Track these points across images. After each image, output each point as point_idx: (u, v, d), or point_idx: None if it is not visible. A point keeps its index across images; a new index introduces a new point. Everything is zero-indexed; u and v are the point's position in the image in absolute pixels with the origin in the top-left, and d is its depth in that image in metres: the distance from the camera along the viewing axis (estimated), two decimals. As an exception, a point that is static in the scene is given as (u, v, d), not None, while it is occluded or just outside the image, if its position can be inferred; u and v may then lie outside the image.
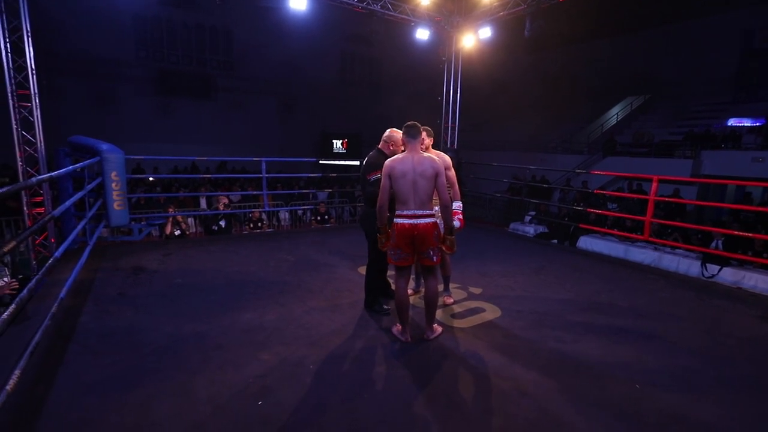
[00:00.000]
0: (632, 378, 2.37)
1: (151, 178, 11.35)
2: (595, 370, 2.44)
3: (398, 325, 2.84)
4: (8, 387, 1.65)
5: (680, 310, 3.51)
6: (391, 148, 3.12)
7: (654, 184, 4.51)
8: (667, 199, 5.56)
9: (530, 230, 8.51)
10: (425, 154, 2.61)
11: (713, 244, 6.36)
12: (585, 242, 7.12)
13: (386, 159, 3.07)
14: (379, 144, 3.19)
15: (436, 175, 2.56)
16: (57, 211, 2.34)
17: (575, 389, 2.24)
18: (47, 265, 2.34)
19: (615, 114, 17.17)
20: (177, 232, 6.48)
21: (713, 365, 2.57)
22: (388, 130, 3.18)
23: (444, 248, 2.68)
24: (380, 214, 2.65)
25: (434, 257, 2.65)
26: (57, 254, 2.49)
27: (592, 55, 18.67)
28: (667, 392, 2.25)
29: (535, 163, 14.01)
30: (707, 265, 5.75)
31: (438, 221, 3.08)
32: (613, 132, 15.81)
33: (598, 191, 7.47)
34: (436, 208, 3.08)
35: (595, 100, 18.10)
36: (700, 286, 4.32)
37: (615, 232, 6.58)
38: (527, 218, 8.99)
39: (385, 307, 3.24)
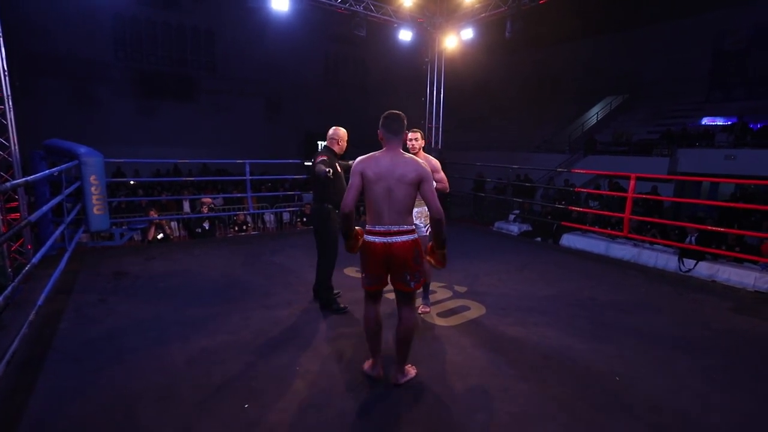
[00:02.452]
0: (613, 370, 2.44)
1: (131, 182, 11.13)
2: (578, 365, 2.50)
3: (370, 358, 2.34)
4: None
5: (658, 304, 3.62)
6: (340, 144, 3.25)
7: (632, 182, 4.63)
8: (643, 196, 5.72)
9: (514, 229, 8.63)
10: (408, 155, 2.11)
11: (688, 239, 6.57)
12: (568, 240, 7.26)
13: (336, 158, 3.20)
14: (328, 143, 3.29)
15: (421, 182, 2.05)
16: (33, 216, 2.29)
17: (559, 384, 2.29)
18: (24, 271, 2.28)
19: (595, 114, 17.55)
20: (160, 236, 6.37)
21: (690, 356, 2.66)
22: (333, 128, 3.28)
23: (432, 262, 2.22)
24: (345, 220, 2.11)
25: (412, 282, 2.12)
26: (34, 260, 2.44)
27: (573, 56, 19.04)
28: (646, 383, 2.32)
29: (518, 162, 14.20)
30: (684, 260, 5.93)
31: (425, 232, 3.11)
32: (594, 131, 16.16)
33: (579, 189, 7.61)
34: (419, 222, 3.10)
35: (576, 100, 18.47)
36: (677, 280, 4.46)
37: (596, 229, 6.73)
38: (511, 217, 9.11)
39: (343, 306, 3.27)
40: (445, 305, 3.43)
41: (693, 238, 6.50)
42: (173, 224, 7.66)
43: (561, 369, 2.45)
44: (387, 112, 2.15)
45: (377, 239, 2.09)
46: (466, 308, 3.37)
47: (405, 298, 2.20)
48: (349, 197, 2.08)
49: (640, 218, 6.11)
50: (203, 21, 16.36)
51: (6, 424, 1.84)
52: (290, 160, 9.11)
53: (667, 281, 4.33)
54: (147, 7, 15.39)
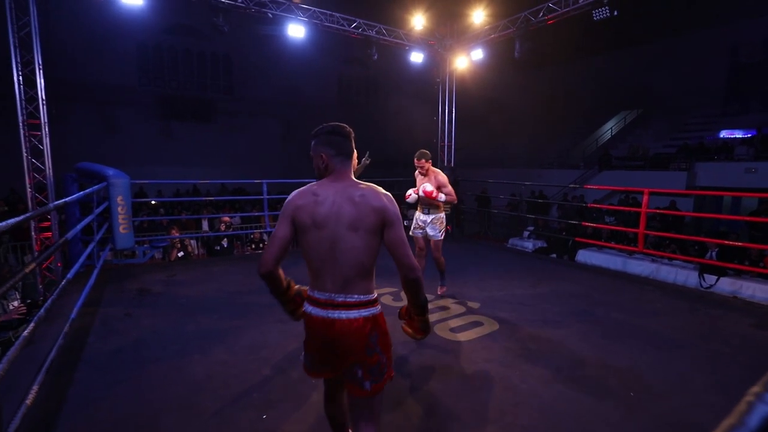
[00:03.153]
0: (627, 386, 2.43)
1: (153, 202, 11.50)
2: (592, 380, 2.50)
3: None
4: (27, 401, 1.73)
5: (675, 320, 3.57)
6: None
7: (645, 197, 4.63)
8: (657, 210, 5.67)
9: (529, 245, 8.59)
10: (366, 185, 1.45)
11: (708, 255, 6.44)
12: (583, 256, 7.20)
13: None
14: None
15: (386, 226, 1.40)
16: (70, 234, 2.46)
17: (572, 398, 2.30)
18: (60, 286, 2.43)
19: (609, 128, 17.48)
20: (180, 254, 6.57)
21: (708, 371, 2.62)
22: None
23: (410, 332, 1.63)
24: (267, 283, 1.53)
25: (366, 383, 1.41)
26: (69, 276, 2.59)
27: (585, 72, 19.11)
28: (661, 399, 2.30)
29: (531, 178, 14.19)
30: (705, 275, 5.82)
31: (439, 236, 3.15)
32: (608, 146, 16.06)
33: (592, 205, 7.58)
34: (431, 230, 3.44)
35: (589, 116, 18.45)
36: (696, 296, 4.38)
37: (612, 245, 6.67)
38: (525, 233, 9.08)
39: None
40: (457, 321, 3.46)
41: (714, 254, 6.38)
42: (192, 242, 7.88)
43: (575, 383, 2.45)
44: (326, 124, 1.51)
45: (318, 312, 1.42)
46: (479, 324, 3.39)
47: (359, 407, 1.45)
48: (268, 254, 1.45)
49: (655, 233, 6.04)
50: (221, 47, 17.05)
51: (42, 428, 1.94)
52: (305, 180, 9.33)
53: (686, 297, 4.27)
54: (170, 36, 16.16)
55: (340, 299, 1.40)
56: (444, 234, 3.88)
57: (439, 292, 4.05)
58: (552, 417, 2.12)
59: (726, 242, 5.14)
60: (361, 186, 1.45)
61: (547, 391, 2.37)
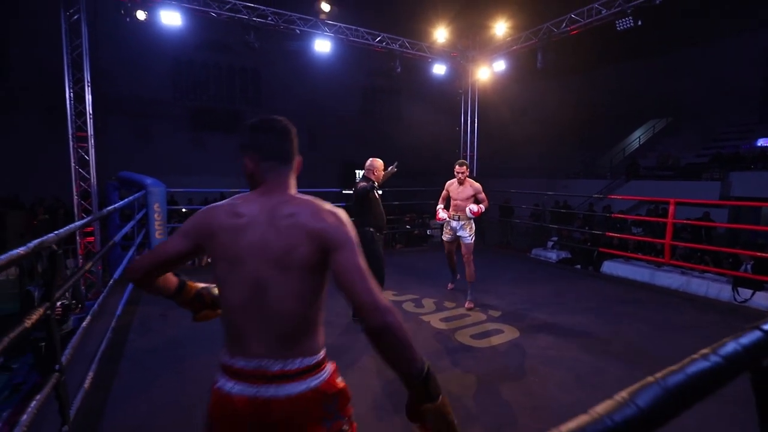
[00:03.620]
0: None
1: (183, 210, 11.98)
2: (612, 387, 2.50)
3: None
4: (85, 385, 1.90)
5: (703, 333, 3.50)
6: (376, 173, 3.52)
7: (671, 207, 4.56)
8: (685, 221, 5.55)
9: (552, 256, 8.49)
10: (301, 199, 1.04)
11: (742, 268, 6.22)
12: (609, 267, 7.08)
13: (374, 186, 3.30)
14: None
15: (331, 251, 0.97)
16: (117, 237, 2.68)
17: (591, 405, 2.31)
18: (109, 285, 2.65)
19: (637, 138, 17.08)
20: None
21: (736, 384, 2.57)
22: (370, 159, 3.56)
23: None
24: (148, 292, 1.15)
25: None
26: (116, 276, 2.81)
27: (611, 81, 18.81)
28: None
29: (556, 189, 14.00)
30: (738, 288, 5.63)
31: (469, 239, 3.33)
32: (636, 155, 15.69)
33: (616, 215, 7.45)
34: (464, 233, 3.96)
35: (616, 125, 18.09)
36: (728, 309, 4.27)
37: (638, 255, 6.54)
38: (549, 244, 8.98)
39: None
40: (478, 328, 3.50)
41: (749, 266, 6.16)
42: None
43: (593, 390, 2.46)
44: (255, 119, 1.12)
45: (237, 389, 0.97)
46: (500, 331, 3.42)
47: None
48: (140, 262, 1.07)
49: (684, 244, 5.89)
50: (250, 61, 17.71)
51: (94, 415, 2.13)
52: (329, 189, 9.55)
53: (718, 310, 4.16)
54: (202, 52, 16.95)
55: (277, 368, 0.95)
56: (474, 238, 4.06)
57: (466, 306, 3.97)
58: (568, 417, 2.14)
59: (760, 254, 4.98)
60: (295, 201, 1.00)
61: (565, 396, 2.39)
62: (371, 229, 3.46)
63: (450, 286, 4.61)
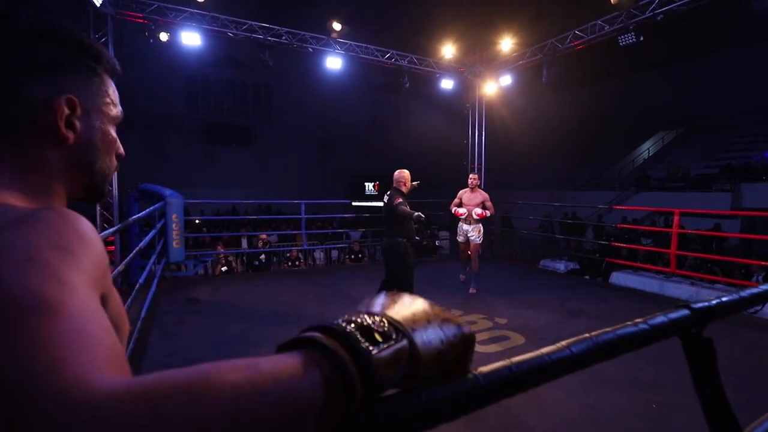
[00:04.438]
0: (651, 399, 2.49)
1: (197, 221, 12.28)
2: (616, 392, 2.58)
3: None
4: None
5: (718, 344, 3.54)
6: (406, 185, 3.72)
7: (676, 217, 4.62)
8: (689, 231, 5.58)
9: (561, 266, 8.52)
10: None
11: (754, 278, 6.20)
12: (618, 278, 7.08)
13: (405, 198, 3.49)
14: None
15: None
16: (142, 244, 2.86)
17: (594, 407, 2.40)
18: (135, 290, 2.82)
19: (647, 149, 17.06)
20: (224, 268, 7.05)
21: (745, 393, 2.63)
22: (398, 171, 3.78)
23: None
24: None
25: None
26: (141, 281, 2.99)
27: (619, 93, 18.88)
28: (686, 412, 2.36)
29: (564, 200, 14.03)
30: (748, 299, 5.61)
31: (477, 239, 3.48)
32: (646, 167, 15.66)
33: (621, 226, 7.49)
34: (474, 235, 4.52)
35: (624, 137, 18.10)
36: (739, 320, 4.28)
37: (646, 266, 6.56)
38: (562, 262, 8.97)
39: None
40: (484, 335, 3.59)
41: (760, 277, 6.14)
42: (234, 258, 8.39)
43: (598, 394, 2.54)
44: None
45: None
46: (506, 338, 3.51)
47: None
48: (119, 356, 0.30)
49: (692, 254, 5.91)
50: (262, 77, 18.21)
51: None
52: (339, 200, 9.75)
53: (727, 320, 4.17)
54: (217, 68, 17.49)
55: None
56: (482, 239, 4.96)
57: (470, 291, 4.84)
58: (574, 424, 2.23)
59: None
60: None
61: (571, 400, 2.47)
62: (403, 240, 3.60)
63: (462, 277, 5.26)
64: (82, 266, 0.34)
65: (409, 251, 3.61)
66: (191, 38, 6.06)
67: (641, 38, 5.43)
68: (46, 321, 0.26)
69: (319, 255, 9.87)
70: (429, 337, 0.32)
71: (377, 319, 0.31)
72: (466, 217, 4.90)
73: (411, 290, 3.52)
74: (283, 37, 6.68)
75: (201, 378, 0.24)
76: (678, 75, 17.18)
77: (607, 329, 0.53)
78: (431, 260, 8.11)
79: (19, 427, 0.22)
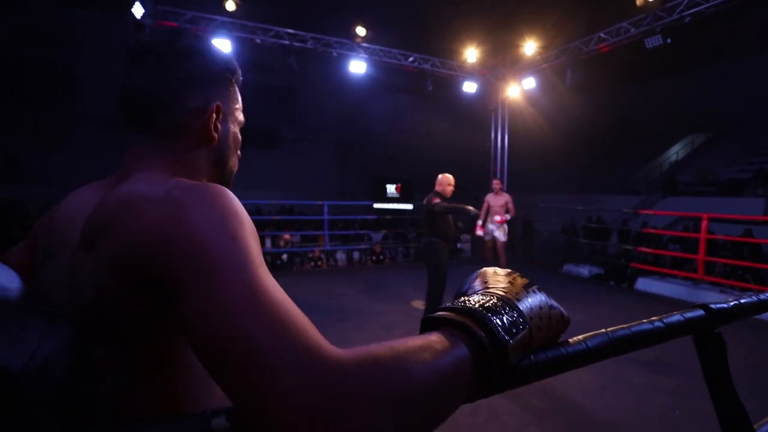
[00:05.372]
0: (673, 406, 2.49)
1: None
2: (637, 397, 2.58)
3: None
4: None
5: (737, 350, 3.47)
6: (448, 188, 3.75)
7: (704, 222, 4.54)
8: (723, 237, 5.45)
9: (585, 271, 8.39)
10: (141, 179, 0.49)
11: (788, 287, 5.98)
12: (643, 284, 6.95)
13: (445, 200, 3.59)
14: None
15: (170, 291, 0.40)
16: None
17: (614, 408, 2.41)
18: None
19: (675, 153, 16.57)
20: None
21: (765, 405, 2.60)
22: (441, 174, 3.82)
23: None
24: None
25: None
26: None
27: (647, 96, 18.41)
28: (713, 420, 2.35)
29: (588, 204, 13.77)
30: (781, 308, 5.43)
31: (503, 237, 3.60)
32: (674, 171, 15.21)
33: (646, 230, 7.34)
34: (498, 233, 4.51)
35: (652, 140, 17.62)
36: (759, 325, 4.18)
37: (672, 271, 6.42)
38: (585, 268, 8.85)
39: None
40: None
41: (794, 285, 5.92)
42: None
43: (618, 398, 2.55)
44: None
45: None
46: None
47: None
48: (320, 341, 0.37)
49: (719, 260, 5.76)
50: (286, 81, 18.58)
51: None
52: (361, 202, 9.88)
53: (758, 329, 4.09)
54: (243, 73, 17.95)
55: None
56: (506, 238, 5.42)
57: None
58: (591, 422, 2.26)
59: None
60: (130, 182, 0.49)
61: (588, 402, 2.50)
62: (436, 239, 3.58)
63: None
64: (259, 248, 0.42)
65: (440, 251, 3.59)
66: (222, 45, 6.30)
67: (668, 40, 5.34)
68: (273, 298, 0.38)
69: (340, 256, 10.02)
70: (542, 324, 0.41)
71: (508, 309, 0.39)
72: (492, 216, 5.39)
73: (443, 289, 3.58)
74: (309, 42, 6.86)
75: (398, 355, 0.33)
76: (708, 78, 16.64)
77: (623, 325, 0.60)
78: (453, 262, 8.13)
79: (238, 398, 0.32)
